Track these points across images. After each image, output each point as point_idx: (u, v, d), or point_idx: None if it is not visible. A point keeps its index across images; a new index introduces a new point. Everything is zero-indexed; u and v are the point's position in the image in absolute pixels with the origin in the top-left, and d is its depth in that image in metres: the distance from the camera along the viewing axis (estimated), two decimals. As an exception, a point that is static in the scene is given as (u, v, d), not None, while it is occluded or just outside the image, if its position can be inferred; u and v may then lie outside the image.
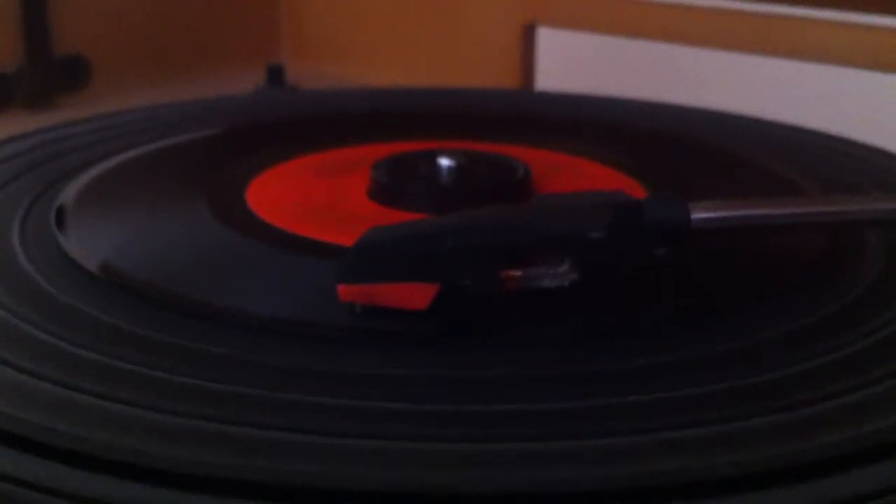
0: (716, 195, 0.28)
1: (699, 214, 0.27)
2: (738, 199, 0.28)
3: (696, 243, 0.28)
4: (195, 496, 0.20)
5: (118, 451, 0.21)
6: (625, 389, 0.24)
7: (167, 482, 0.20)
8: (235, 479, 0.20)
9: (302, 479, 0.20)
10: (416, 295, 0.25)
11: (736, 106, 0.50)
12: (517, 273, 0.26)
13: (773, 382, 0.24)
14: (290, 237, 0.31)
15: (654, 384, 0.24)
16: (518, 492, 0.20)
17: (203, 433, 0.22)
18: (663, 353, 0.25)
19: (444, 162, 0.34)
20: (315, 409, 0.23)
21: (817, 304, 0.28)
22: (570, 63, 0.67)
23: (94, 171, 0.38)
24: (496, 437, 0.22)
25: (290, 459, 0.21)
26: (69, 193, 0.36)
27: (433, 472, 0.21)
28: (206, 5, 0.77)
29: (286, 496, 0.20)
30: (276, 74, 0.56)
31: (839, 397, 0.23)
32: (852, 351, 0.26)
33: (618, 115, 0.50)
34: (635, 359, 0.25)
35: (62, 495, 0.20)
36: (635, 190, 0.36)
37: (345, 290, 0.26)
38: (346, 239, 0.27)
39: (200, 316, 0.27)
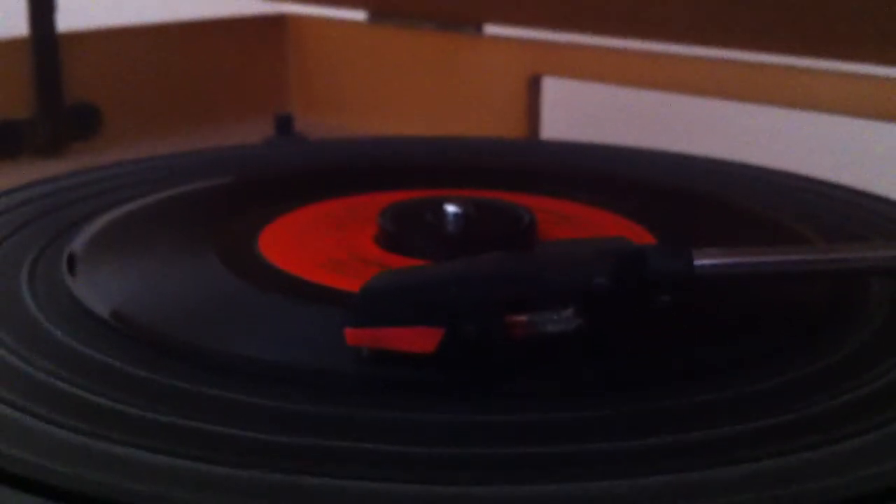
0: (719, 244, 0.28)
1: (702, 262, 0.27)
2: (741, 248, 0.28)
3: (700, 291, 0.28)
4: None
5: (120, 494, 0.21)
6: (629, 435, 0.24)
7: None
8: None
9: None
10: (423, 339, 0.25)
11: (741, 155, 0.50)
12: (522, 318, 0.26)
13: (766, 432, 0.24)
14: (299, 283, 0.32)
15: (656, 430, 0.24)
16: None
17: (213, 478, 0.22)
18: (663, 402, 0.25)
19: (450, 209, 0.34)
20: (322, 453, 0.23)
21: (818, 354, 0.28)
22: (576, 113, 0.67)
23: (104, 219, 0.39)
24: (498, 480, 0.22)
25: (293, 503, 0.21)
26: (80, 240, 0.36)
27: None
28: (215, 57, 0.78)
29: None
30: (284, 124, 0.56)
31: (839, 443, 0.23)
32: (854, 398, 0.26)
33: (623, 163, 0.50)
34: (642, 405, 0.25)
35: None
36: (640, 237, 0.37)
37: (352, 334, 0.26)
38: (355, 285, 0.27)
39: (210, 363, 0.27)
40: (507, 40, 0.71)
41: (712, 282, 0.27)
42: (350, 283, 0.30)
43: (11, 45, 0.66)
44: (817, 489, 0.21)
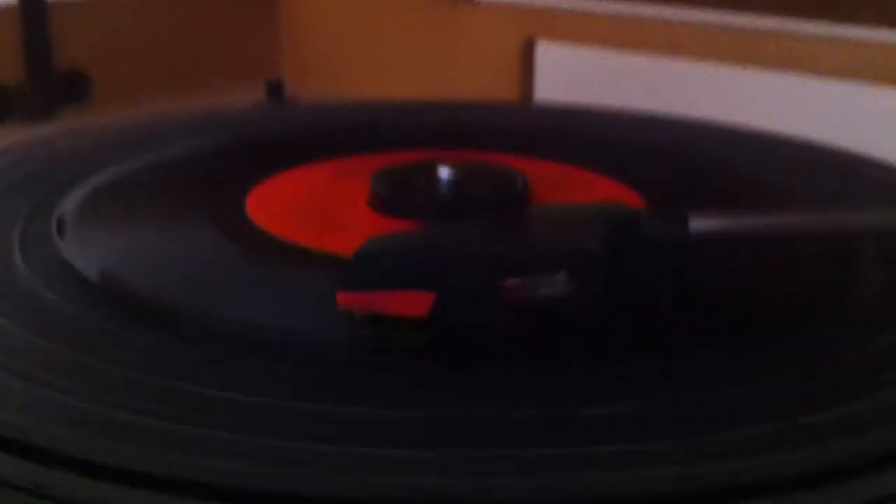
0: (715, 207, 0.28)
1: (697, 225, 0.27)
2: (736, 211, 0.28)
3: (694, 255, 0.28)
4: (187, 500, 0.20)
5: (115, 456, 0.21)
6: (625, 400, 0.24)
7: (160, 487, 0.20)
8: (227, 484, 0.20)
9: (297, 485, 0.20)
10: (416, 303, 0.25)
11: (733, 119, 0.50)
12: (515, 282, 0.26)
13: (754, 398, 0.24)
14: (291, 247, 0.31)
15: (651, 396, 0.24)
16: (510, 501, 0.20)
17: (205, 440, 0.22)
18: (658, 365, 0.25)
19: (444, 172, 0.34)
20: (313, 418, 0.23)
21: (815, 318, 0.28)
22: (569, 77, 0.67)
23: (94, 181, 0.39)
24: (490, 444, 0.22)
25: (286, 467, 0.21)
26: (69, 204, 0.36)
27: (427, 481, 0.21)
28: (206, 22, 0.77)
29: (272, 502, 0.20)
30: (275, 89, 0.56)
31: (835, 408, 0.23)
32: (853, 365, 0.26)
33: (617, 127, 0.50)
34: (636, 370, 0.25)
35: (58, 500, 0.20)
36: (635, 201, 0.36)
37: (344, 298, 0.26)
38: (347, 248, 0.27)
39: (200, 325, 0.27)
40: (501, 4, 0.70)
41: (707, 245, 0.27)
42: (342, 247, 0.30)
43: (1, 12, 0.66)
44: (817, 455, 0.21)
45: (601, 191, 0.38)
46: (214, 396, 0.23)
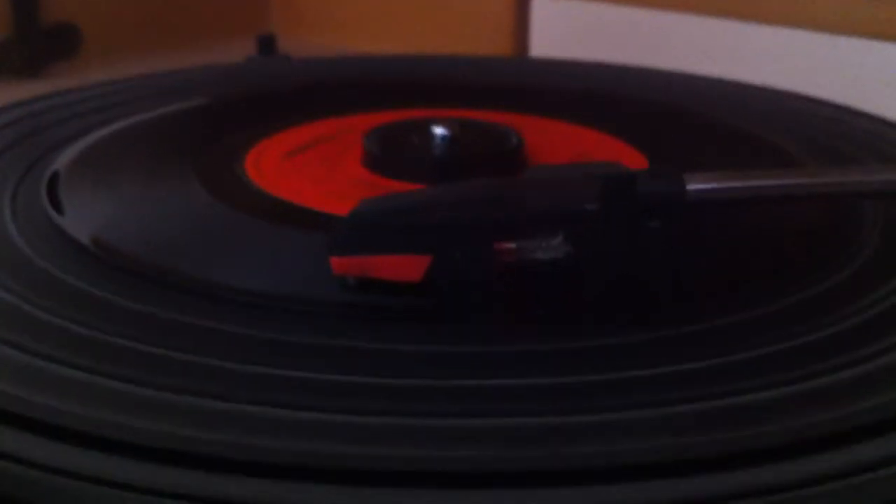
0: (712, 164, 0.27)
1: (694, 186, 0.27)
2: (734, 171, 0.27)
3: (692, 215, 0.27)
4: (181, 471, 0.19)
5: (106, 426, 0.20)
6: (619, 366, 0.23)
7: (152, 457, 0.20)
8: (219, 454, 0.20)
9: (287, 455, 0.20)
10: (410, 266, 0.25)
11: (731, 74, 0.50)
12: (511, 245, 0.25)
13: (765, 358, 0.24)
14: (285, 206, 0.31)
15: (652, 360, 0.24)
16: (508, 469, 0.20)
17: (194, 408, 0.21)
18: (658, 330, 0.25)
19: (438, 131, 0.34)
20: (301, 384, 0.22)
21: (813, 280, 0.28)
22: (565, 31, 0.66)
23: (85, 142, 0.38)
24: (484, 413, 0.22)
25: (278, 435, 0.21)
26: (59, 164, 0.36)
27: (421, 448, 0.20)
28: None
29: (269, 471, 0.20)
30: (267, 44, 0.55)
31: (835, 373, 0.23)
32: (850, 325, 0.26)
33: (614, 82, 0.49)
34: (634, 334, 0.25)
35: (50, 469, 0.19)
36: (632, 157, 0.36)
37: (338, 263, 0.25)
38: (342, 208, 0.26)
39: (192, 289, 0.27)
40: (495, -44, 0.69)
41: (704, 206, 0.27)
42: (337, 207, 0.29)
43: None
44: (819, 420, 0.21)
45: (599, 148, 0.38)
46: (206, 364, 0.23)
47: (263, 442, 0.20)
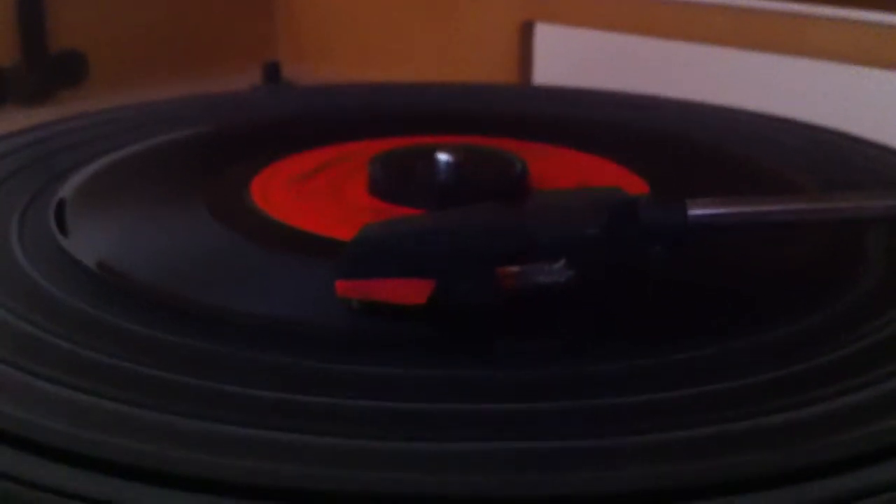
0: (714, 191, 0.27)
1: (696, 212, 0.27)
2: (736, 197, 0.27)
3: (694, 242, 0.27)
4: (186, 495, 0.19)
5: (110, 450, 0.21)
6: (620, 392, 0.23)
7: (158, 481, 0.20)
8: (224, 479, 0.20)
9: (293, 480, 0.20)
10: (414, 290, 0.25)
11: (734, 102, 0.50)
12: (514, 270, 0.25)
13: (772, 383, 0.24)
14: (291, 232, 0.31)
15: (652, 386, 0.24)
16: (510, 496, 0.20)
17: (200, 433, 0.21)
18: (660, 356, 0.25)
19: (443, 157, 0.34)
20: (314, 409, 0.23)
21: (816, 306, 0.28)
22: (568, 59, 0.67)
23: (92, 168, 0.38)
24: (484, 437, 0.22)
25: (284, 460, 0.21)
26: (67, 191, 0.36)
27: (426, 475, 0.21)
28: (203, 4, 0.77)
29: (274, 497, 0.20)
30: (272, 72, 0.55)
31: (837, 399, 0.23)
32: (853, 352, 0.26)
33: (616, 110, 0.49)
34: (638, 359, 0.25)
35: (54, 491, 0.19)
36: (634, 185, 0.36)
37: (342, 287, 0.26)
38: (348, 234, 0.27)
39: (199, 315, 0.27)
40: (499, -14, 0.70)
41: (706, 232, 0.27)
42: (342, 232, 0.30)
43: (-5, -8, 0.65)
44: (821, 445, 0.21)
45: (601, 174, 0.38)
46: (212, 388, 0.23)
47: (266, 467, 0.20)
